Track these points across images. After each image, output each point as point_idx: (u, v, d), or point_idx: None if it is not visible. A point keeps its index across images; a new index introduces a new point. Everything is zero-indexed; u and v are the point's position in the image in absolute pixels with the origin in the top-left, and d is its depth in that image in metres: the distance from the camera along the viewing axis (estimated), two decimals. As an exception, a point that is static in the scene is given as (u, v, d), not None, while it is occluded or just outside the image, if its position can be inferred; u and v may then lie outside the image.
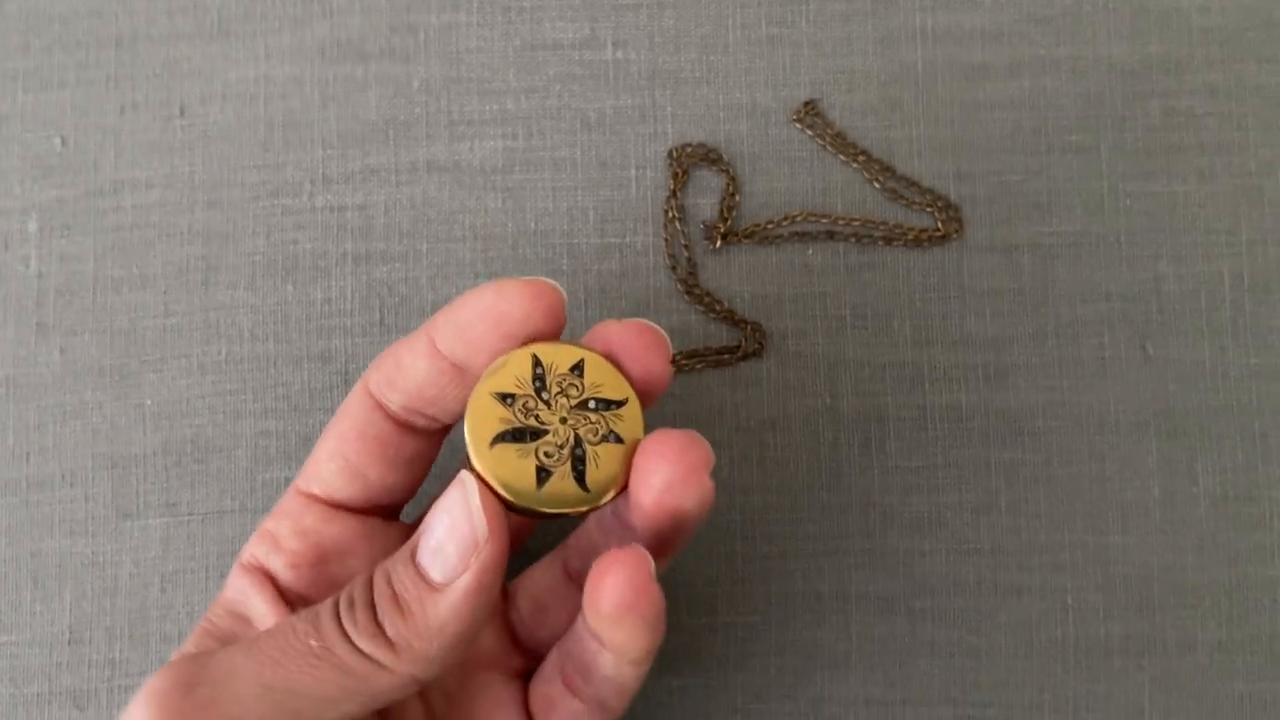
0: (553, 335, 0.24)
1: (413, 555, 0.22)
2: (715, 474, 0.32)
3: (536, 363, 0.24)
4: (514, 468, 0.23)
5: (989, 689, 0.32)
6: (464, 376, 0.25)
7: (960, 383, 0.33)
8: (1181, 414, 0.32)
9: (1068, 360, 0.33)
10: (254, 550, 0.26)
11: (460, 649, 0.22)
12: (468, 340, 0.24)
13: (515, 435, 0.23)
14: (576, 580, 0.28)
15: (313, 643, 0.22)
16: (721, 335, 0.33)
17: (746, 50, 0.34)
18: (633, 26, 0.34)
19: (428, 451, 0.27)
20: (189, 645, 0.25)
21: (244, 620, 0.25)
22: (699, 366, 0.32)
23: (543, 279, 0.24)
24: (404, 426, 0.26)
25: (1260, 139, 0.33)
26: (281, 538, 0.26)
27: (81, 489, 0.32)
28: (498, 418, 0.23)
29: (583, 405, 0.24)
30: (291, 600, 0.26)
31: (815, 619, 0.32)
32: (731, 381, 0.33)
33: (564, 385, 0.24)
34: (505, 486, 0.23)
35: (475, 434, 0.23)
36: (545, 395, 0.24)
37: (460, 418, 0.25)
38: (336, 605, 0.22)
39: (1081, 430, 0.32)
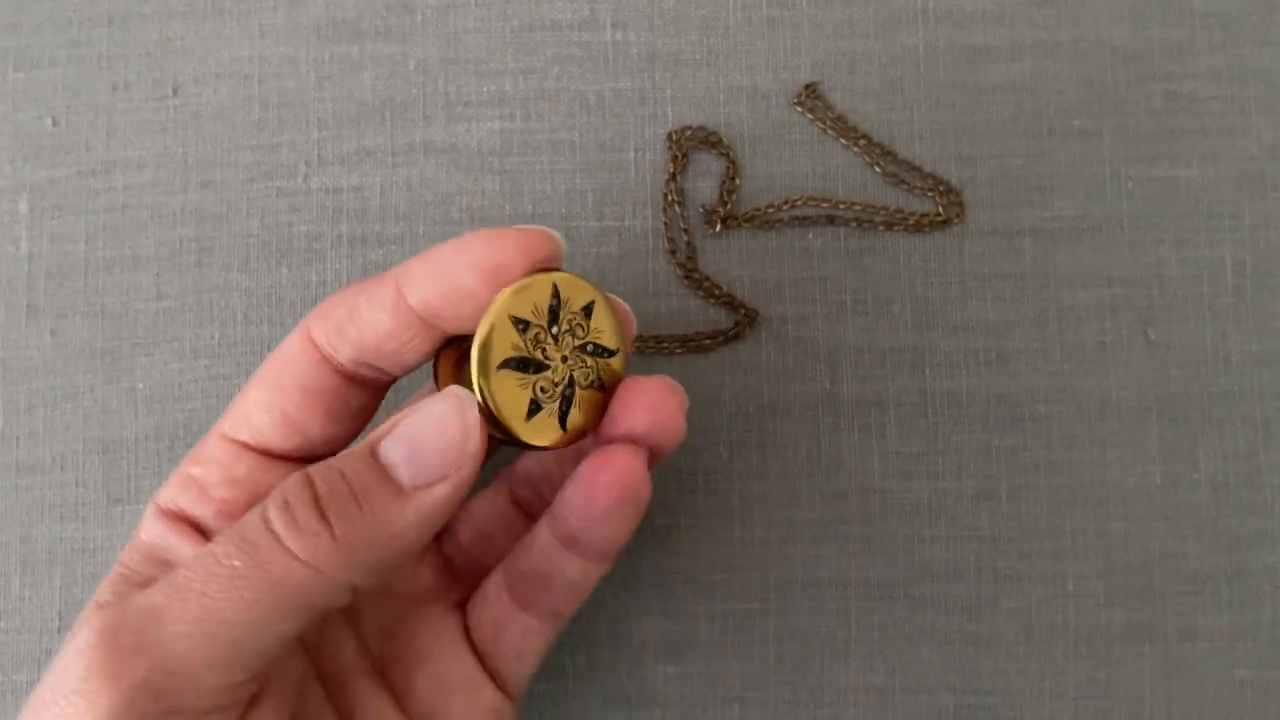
0: None
1: (373, 452, 0.21)
2: (715, 458, 0.32)
3: (555, 294, 0.23)
4: (511, 395, 0.23)
5: (989, 676, 0.31)
6: (431, 332, 0.23)
7: (961, 368, 0.32)
8: (1183, 399, 0.32)
9: (1069, 345, 0.32)
10: (175, 497, 0.24)
11: (405, 562, 0.22)
12: (451, 294, 0.23)
13: (520, 364, 0.23)
14: (524, 508, 0.28)
15: (236, 563, 0.20)
16: (721, 320, 0.32)
17: (747, 32, 0.33)
18: (632, 8, 0.33)
19: (372, 403, 0.26)
20: (105, 594, 0.24)
21: (167, 565, 0.24)
22: (676, 350, 0.32)
23: (542, 228, 0.23)
24: (350, 379, 0.24)
25: (1263, 123, 0.33)
26: (210, 486, 0.24)
27: (72, 473, 0.32)
28: (510, 342, 0.23)
29: (583, 348, 0.24)
30: None
31: (814, 606, 0.32)
32: (731, 366, 0.32)
33: (573, 324, 0.24)
34: (498, 410, 0.23)
35: (486, 352, 0.23)
36: (555, 330, 0.24)
37: (416, 367, 0.24)
38: (264, 513, 0.21)
39: (1083, 416, 0.32)
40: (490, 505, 0.28)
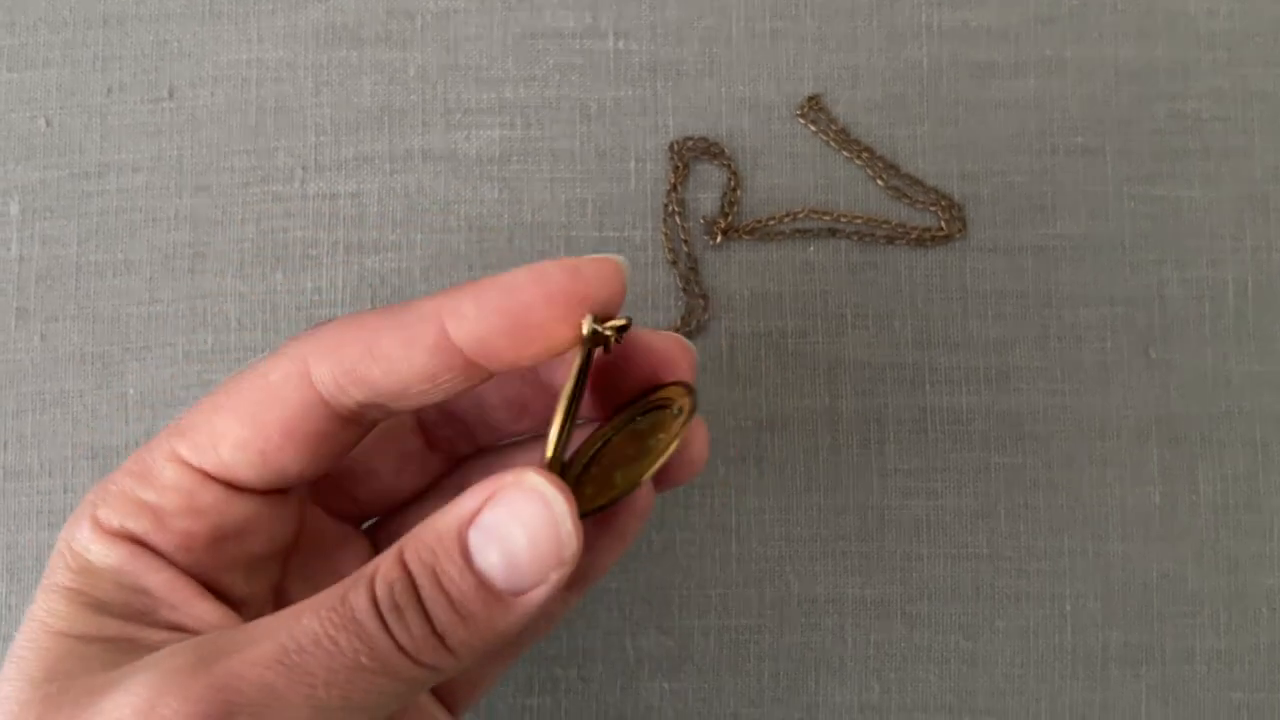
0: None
1: (463, 554, 0.20)
2: (712, 474, 0.31)
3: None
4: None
5: (986, 696, 0.31)
6: (472, 373, 0.21)
7: (961, 385, 0.32)
8: (1183, 420, 0.32)
9: (1070, 364, 0.32)
10: (124, 520, 0.21)
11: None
12: (520, 330, 0.20)
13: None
14: None
15: (364, 660, 0.19)
16: (720, 330, 0.32)
17: (750, 43, 0.33)
18: (635, 16, 0.33)
19: (361, 436, 0.23)
20: (61, 616, 0.21)
21: (145, 594, 0.21)
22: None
23: (613, 259, 0.21)
24: (348, 421, 0.22)
25: (1266, 144, 0.33)
26: (169, 516, 0.21)
27: (60, 479, 0.31)
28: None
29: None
30: (189, 575, 0.22)
31: (811, 623, 0.31)
32: (729, 380, 0.32)
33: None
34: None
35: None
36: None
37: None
38: (377, 609, 0.19)
39: (1083, 435, 0.32)
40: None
